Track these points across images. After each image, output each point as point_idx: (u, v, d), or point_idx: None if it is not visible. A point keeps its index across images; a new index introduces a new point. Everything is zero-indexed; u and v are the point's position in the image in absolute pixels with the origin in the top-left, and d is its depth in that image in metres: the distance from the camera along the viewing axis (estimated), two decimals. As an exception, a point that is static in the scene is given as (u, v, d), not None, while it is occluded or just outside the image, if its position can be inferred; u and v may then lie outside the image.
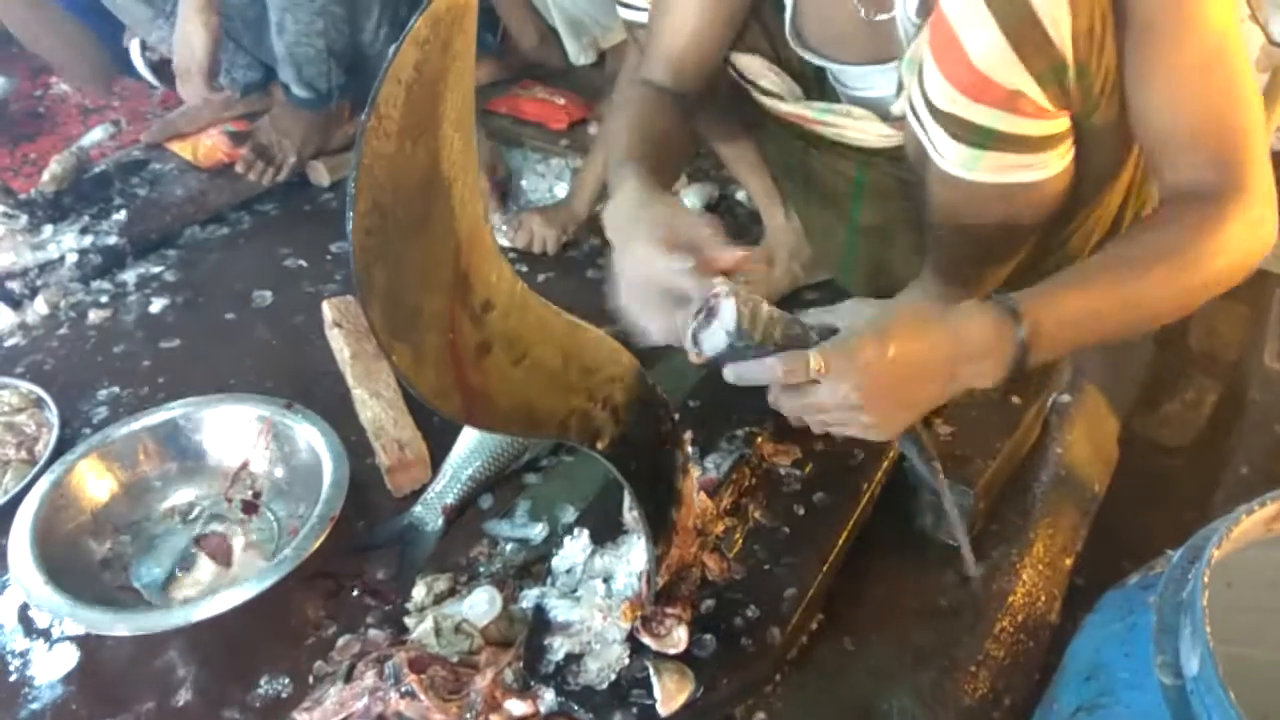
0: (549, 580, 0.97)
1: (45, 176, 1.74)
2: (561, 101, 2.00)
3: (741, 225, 1.64)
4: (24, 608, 1.03)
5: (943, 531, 1.05)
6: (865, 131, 1.13)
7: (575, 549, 0.97)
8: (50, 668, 0.98)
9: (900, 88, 1.03)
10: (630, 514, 0.99)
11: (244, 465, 1.17)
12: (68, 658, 0.98)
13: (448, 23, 0.57)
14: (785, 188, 1.42)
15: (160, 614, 0.98)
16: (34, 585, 0.98)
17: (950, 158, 0.97)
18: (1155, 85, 0.88)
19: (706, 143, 1.44)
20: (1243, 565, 0.73)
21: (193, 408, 1.19)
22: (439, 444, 1.15)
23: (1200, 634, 0.61)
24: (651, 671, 0.87)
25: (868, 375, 0.77)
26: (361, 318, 1.33)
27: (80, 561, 1.06)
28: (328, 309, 1.40)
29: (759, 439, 1.11)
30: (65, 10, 2.16)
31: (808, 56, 1.10)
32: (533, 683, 0.88)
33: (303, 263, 1.66)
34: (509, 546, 1.05)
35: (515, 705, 0.85)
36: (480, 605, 0.93)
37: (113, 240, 1.66)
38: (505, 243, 1.66)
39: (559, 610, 0.91)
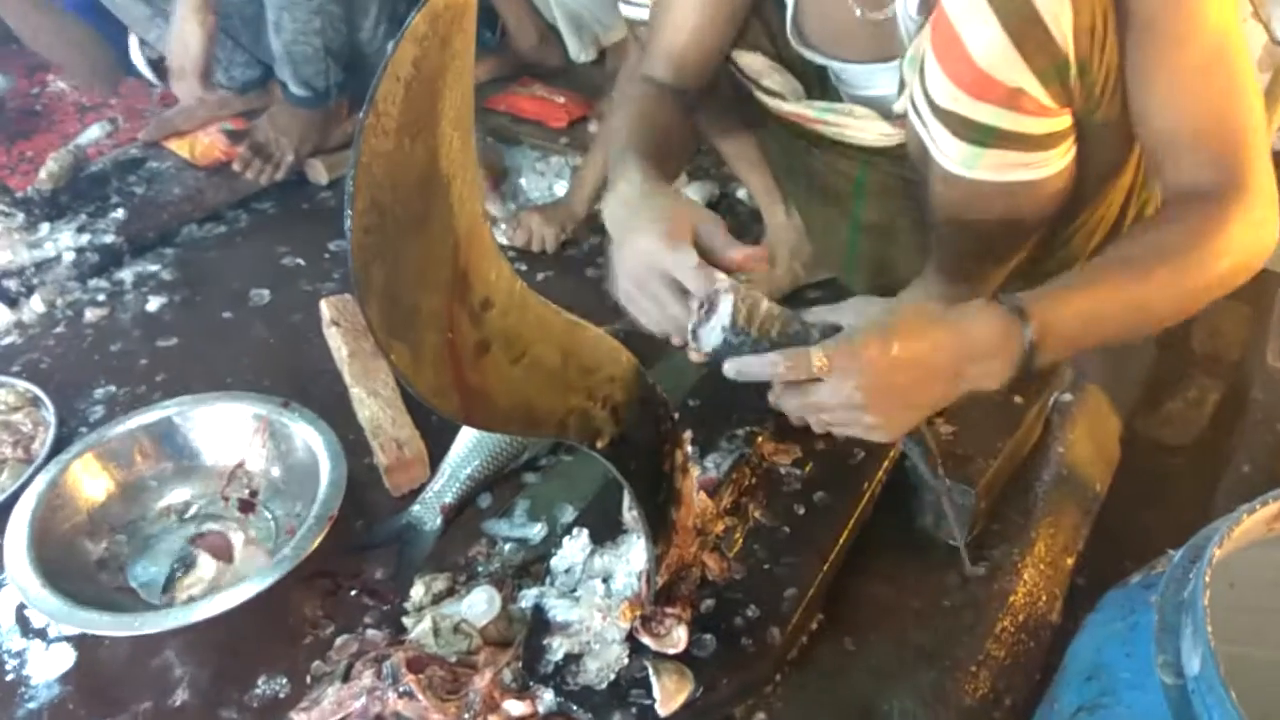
0: (548, 580, 0.97)
1: (42, 174, 1.74)
2: (561, 99, 2.00)
3: (742, 223, 1.63)
4: (20, 607, 1.03)
5: (943, 531, 1.05)
6: (866, 130, 1.12)
7: (574, 549, 0.97)
8: (47, 668, 0.97)
9: (902, 86, 1.03)
10: (630, 513, 0.99)
11: (240, 464, 1.17)
12: (64, 658, 0.98)
13: (447, 20, 0.57)
14: (787, 186, 1.41)
15: (157, 614, 0.97)
16: (30, 585, 0.97)
17: (952, 155, 0.97)
18: (1157, 85, 0.87)
19: (707, 140, 1.44)
20: (1244, 565, 0.73)
21: (189, 406, 1.19)
22: (437, 443, 1.15)
23: (1202, 634, 0.61)
24: (651, 671, 0.86)
25: (871, 374, 0.76)
26: (359, 316, 1.33)
27: (77, 561, 1.06)
28: (325, 307, 1.40)
29: (759, 438, 1.10)
30: (68, 11, 2.16)
31: (809, 55, 1.10)
32: (531, 683, 0.87)
33: (300, 261, 1.66)
34: (508, 546, 1.05)
35: (514, 705, 0.85)
36: (479, 605, 0.93)
37: (110, 238, 1.66)
38: (504, 241, 1.65)
39: (558, 610, 0.91)
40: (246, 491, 1.16)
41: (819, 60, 1.10)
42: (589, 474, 1.10)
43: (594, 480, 1.09)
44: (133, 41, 2.09)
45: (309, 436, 1.14)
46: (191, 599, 1.01)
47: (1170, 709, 0.63)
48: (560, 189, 1.82)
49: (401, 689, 0.85)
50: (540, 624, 0.91)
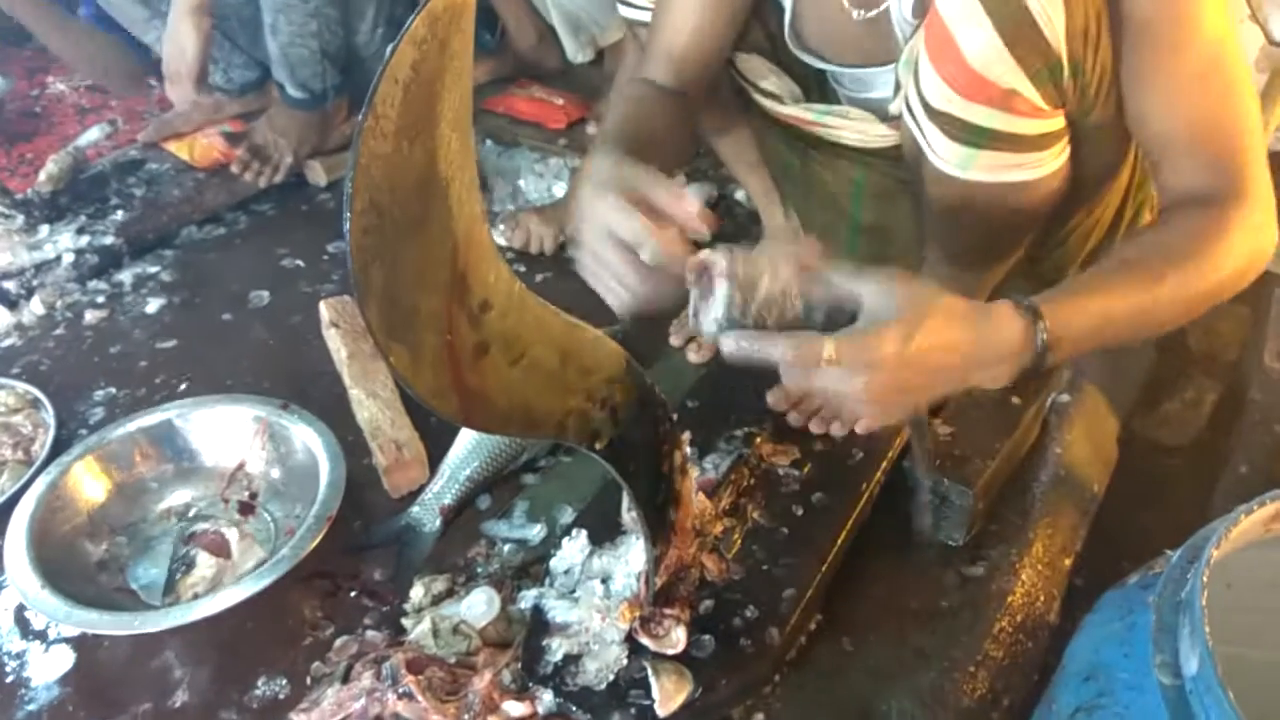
0: (547, 581, 0.97)
1: (42, 176, 1.74)
2: (560, 101, 2.00)
3: (741, 225, 1.63)
4: (20, 609, 1.03)
5: (942, 532, 1.05)
6: (864, 132, 1.13)
7: (573, 550, 0.97)
8: (47, 669, 0.97)
9: (898, 88, 1.03)
10: (629, 514, 0.99)
11: (240, 466, 1.17)
12: (64, 659, 0.98)
13: (445, 22, 0.57)
14: (785, 188, 1.42)
15: (156, 613, 0.97)
16: (30, 587, 0.97)
17: (946, 157, 0.97)
18: (1153, 89, 0.88)
19: (706, 142, 1.44)
20: (1242, 566, 0.73)
21: (189, 408, 1.19)
22: (436, 444, 1.15)
23: (1199, 634, 0.61)
24: (650, 672, 0.86)
25: (881, 371, 0.73)
26: (358, 318, 1.33)
27: (77, 563, 1.06)
28: (325, 309, 1.40)
29: (758, 439, 1.11)
30: (88, 22, 2.19)
31: (806, 59, 1.10)
32: (531, 684, 0.87)
33: (300, 263, 1.66)
34: (507, 547, 1.05)
35: (513, 706, 0.85)
36: (478, 606, 0.93)
37: (109, 240, 1.66)
38: (503, 242, 1.65)
39: (557, 611, 0.91)
40: (246, 493, 1.16)
41: (817, 64, 1.10)
42: (588, 475, 1.10)
43: (593, 481, 1.09)
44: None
45: (308, 438, 1.14)
46: (196, 597, 1.01)
47: (1168, 709, 0.63)
48: (559, 190, 1.82)
49: (401, 690, 0.85)
50: (539, 625, 0.91)
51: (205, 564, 1.06)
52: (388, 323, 0.61)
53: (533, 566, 1.02)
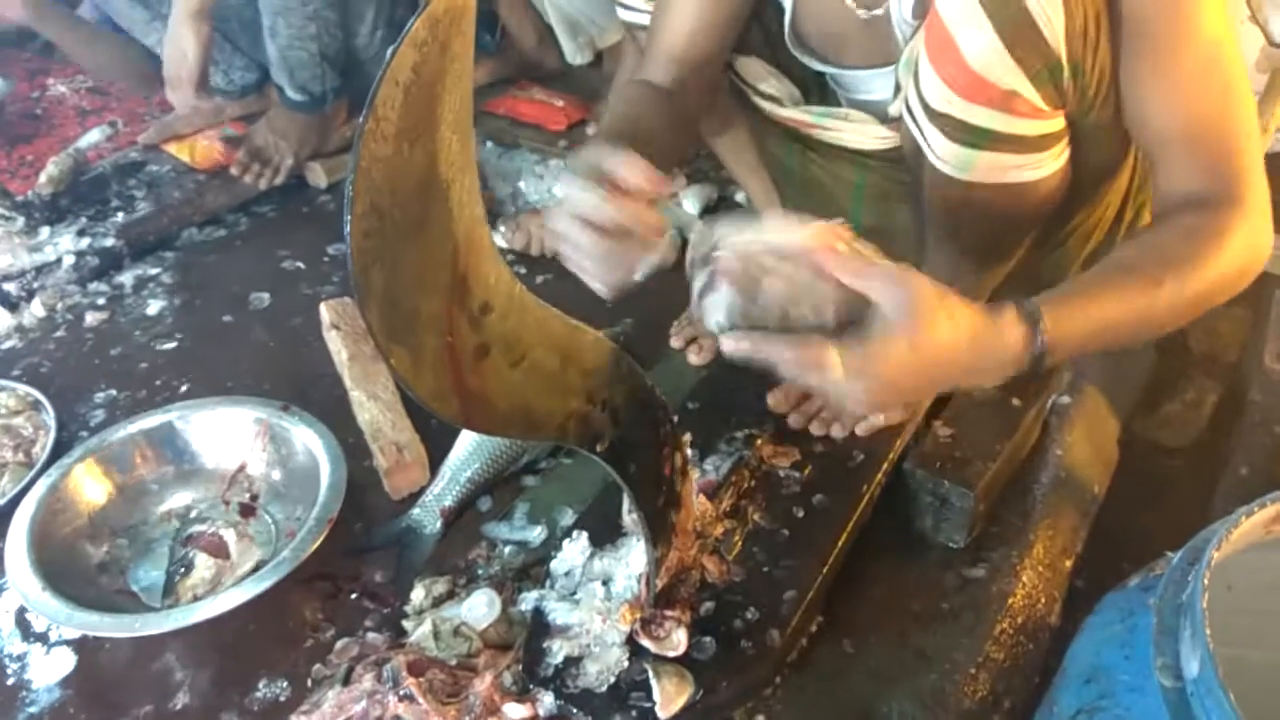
0: (548, 583, 0.97)
1: (42, 178, 1.74)
2: (560, 103, 2.00)
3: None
4: (21, 611, 1.03)
5: (943, 534, 1.05)
6: (863, 134, 1.13)
7: (574, 551, 0.97)
8: (48, 671, 0.97)
9: (898, 90, 1.04)
10: (629, 516, 0.99)
11: (241, 468, 1.17)
12: (65, 661, 0.98)
13: (446, 24, 0.57)
14: (785, 190, 1.42)
15: (157, 615, 0.97)
16: (31, 589, 0.97)
17: (945, 158, 0.97)
18: (1151, 90, 0.88)
19: (706, 143, 1.44)
20: (1243, 567, 0.73)
21: (190, 410, 1.19)
22: (437, 446, 1.15)
23: (1200, 636, 0.61)
24: (651, 674, 0.86)
25: (883, 378, 0.72)
26: (359, 320, 1.33)
27: (78, 565, 1.06)
28: (325, 311, 1.40)
29: (758, 441, 1.11)
30: (101, 26, 2.19)
31: (807, 60, 1.10)
32: (532, 686, 0.87)
33: (300, 265, 1.66)
34: (508, 549, 1.05)
35: (514, 708, 0.85)
36: (479, 608, 0.93)
37: (110, 242, 1.66)
38: (503, 244, 1.65)
39: (558, 613, 0.91)
40: (247, 495, 1.16)
41: (816, 65, 1.10)
42: (588, 477, 1.10)
43: (593, 483, 1.09)
44: None
45: (309, 440, 1.14)
46: (195, 598, 1.01)
47: (1169, 711, 0.63)
48: (559, 192, 1.82)
49: (402, 692, 0.85)
50: (540, 627, 0.91)
51: (204, 565, 1.06)
52: (388, 325, 0.61)
53: (533, 568, 1.02)
